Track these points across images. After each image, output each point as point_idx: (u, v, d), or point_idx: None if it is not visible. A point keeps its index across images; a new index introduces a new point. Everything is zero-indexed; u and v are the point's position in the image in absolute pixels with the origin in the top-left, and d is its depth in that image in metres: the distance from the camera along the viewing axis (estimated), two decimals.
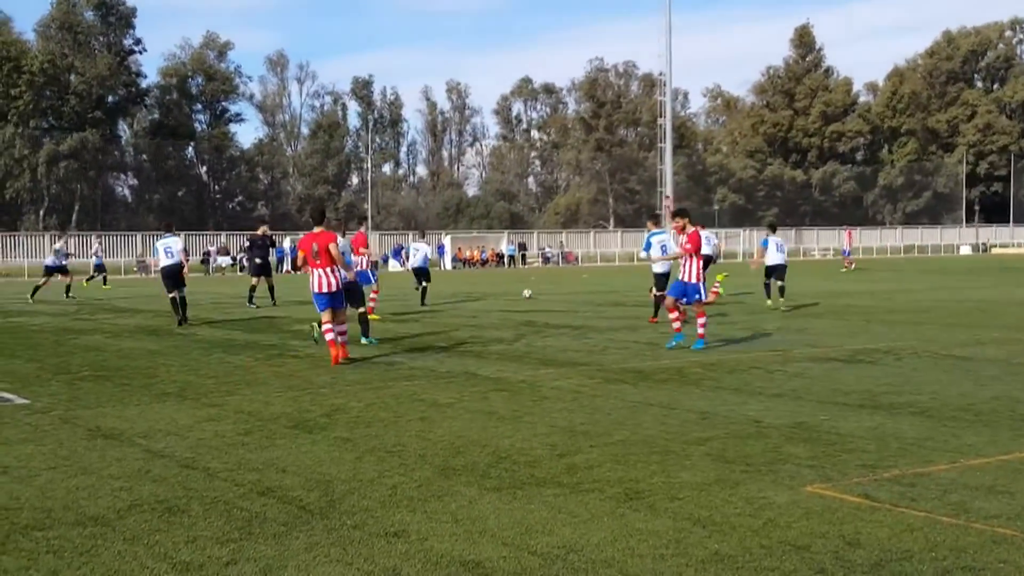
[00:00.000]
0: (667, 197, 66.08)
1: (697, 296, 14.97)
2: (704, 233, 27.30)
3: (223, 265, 61.99)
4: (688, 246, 15.01)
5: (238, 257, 61.51)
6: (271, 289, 26.93)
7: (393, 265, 62.86)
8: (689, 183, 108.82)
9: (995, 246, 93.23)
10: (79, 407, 10.44)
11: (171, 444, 8.43)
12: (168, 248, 21.13)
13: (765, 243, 24.98)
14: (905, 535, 5.58)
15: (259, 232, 28.11)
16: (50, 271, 31.23)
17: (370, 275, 20.87)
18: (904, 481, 6.78)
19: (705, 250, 26.33)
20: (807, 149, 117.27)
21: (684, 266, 15.06)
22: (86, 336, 18.74)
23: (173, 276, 20.82)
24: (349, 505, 6.38)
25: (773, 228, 26.51)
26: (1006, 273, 43.36)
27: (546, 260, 72.74)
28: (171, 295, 20.82)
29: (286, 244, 63.35)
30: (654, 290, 20.10)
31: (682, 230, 15.24)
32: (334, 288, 13.98)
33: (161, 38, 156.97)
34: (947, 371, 12.30)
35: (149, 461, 7.77)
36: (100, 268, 39.70)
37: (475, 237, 77.44)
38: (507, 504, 6.33)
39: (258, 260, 27.38)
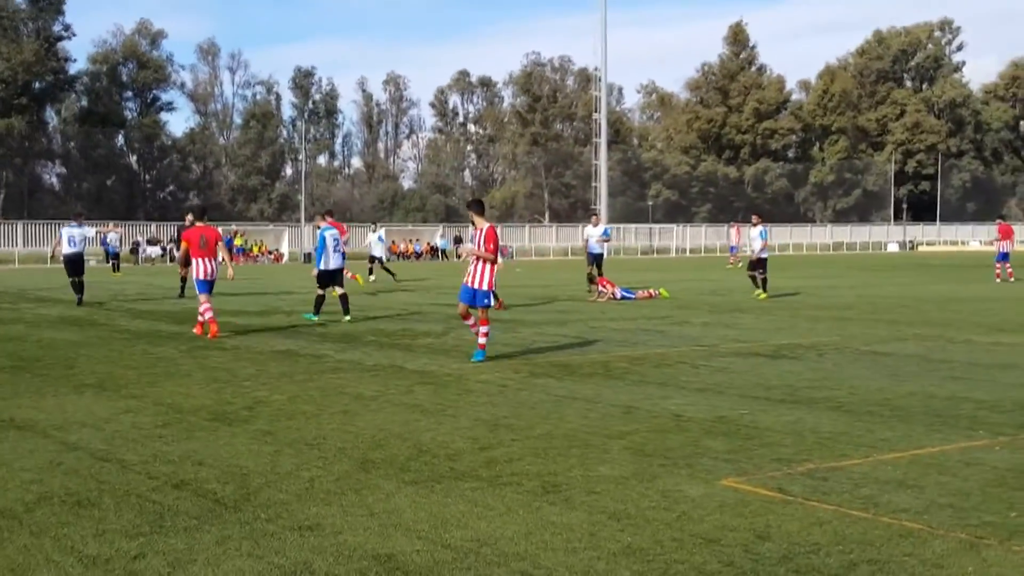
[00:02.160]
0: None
1: (486, 302, 13.17)
2: (600, 229, 27.72)
3: (152, 256, 60.99)
4: (492, 247, 13.06)
5: (168, 247, 60.58)
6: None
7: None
8: (624, 178, 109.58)
9: (922, 244, 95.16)
10: None
11: (86, 436, 8.28)
12: (72, 237, 23.53)
13: (764, 235, 25.72)
14: (815, 528, 5.66)
15: (187, 222, 27.71)
16: None
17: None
18: (817, 475, 6.88)
19: (598, 249, 26.77)
20: (740, 146, 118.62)
21: (474, 269, 13.13)
22: (6, 326, 18.31)
23: (73, 263, 23.39)
24: (264, 498, 6.32)
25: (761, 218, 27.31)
26: (930, 270, 44.32)
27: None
28: (71, 279, 23.42)
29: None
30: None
31: (475, 225, 13.41)
32: (212, 276, 16.52)
33: (92, 24, 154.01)
34: (867, 367, 12.52)
35: (62, 453, 7.63)
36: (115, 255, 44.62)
37: (410, 230, 77.16)
38: (424, 498, 6.32)
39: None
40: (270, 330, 17.40)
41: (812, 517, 5.87)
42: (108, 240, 46.36)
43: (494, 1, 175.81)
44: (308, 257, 64.86)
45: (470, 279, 13.10)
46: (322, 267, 18.88)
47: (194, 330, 16.47)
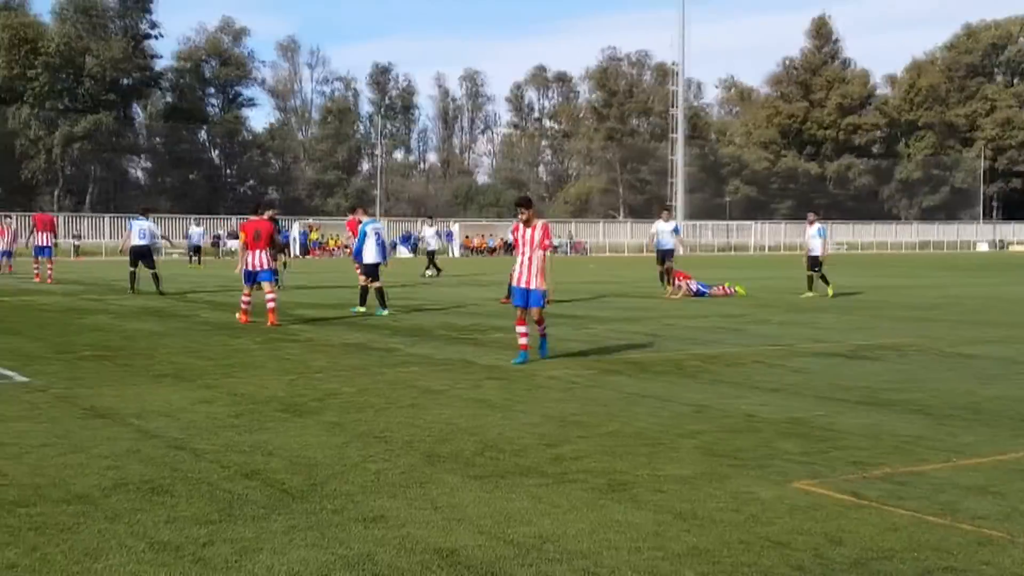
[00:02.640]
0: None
1: (542, 302, 12.50)
2: (671, 225, 27.16)
3: (233, 249, 62.04)
4: (547, 242, 12.42)
5: None
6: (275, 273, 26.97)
7: (401, 252, 62.95)
8: (701, 174, 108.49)
9: (1013, 243, 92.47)
10: (78, 386, 10.47)
11: (163, 425, 8.44)
12: (142, 230, 25.00)
13: (823, 233, 25.21)
14: (889, 534, 5.50)
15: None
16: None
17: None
18: (895, 479, 6.70)
19: (668, 245, 26.27)
20: (822, 141, 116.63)
21: (523, 267, 12.37)
22: (92, 316, 18.80)
23: (140, 255, 24.73)
24: (331, 489, 6.36)
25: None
26: (1021, 271, 43.05)
27: (554, 249, 72.44)
28: (132, 269, 24.73)
29: (295, 229, 63.54)
30: None
31: (526, 223, 12.41)
32: (259, 267, 17.15)
33: (176, 22, 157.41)
34: (951, 369, 12.18)
35: (139, 441, 7.78)
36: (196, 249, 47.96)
37: (484, 225, 77.41)
38: (489, 493, 6.29)
39: None
40: (344, 323, 17.59)
41: (887, 522, 5.71)
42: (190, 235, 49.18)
43: None
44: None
45: (524, 280, 12.37)
46: (367, 260, 19.25)
47: (269, 321, 16.93)
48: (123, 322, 17.68)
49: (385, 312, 18.77)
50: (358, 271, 19.94)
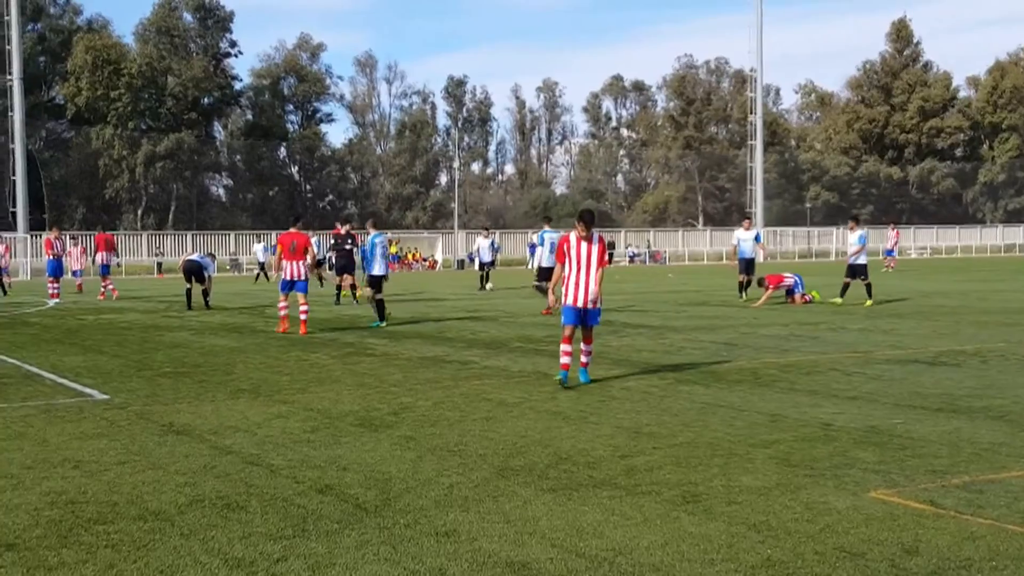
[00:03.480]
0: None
1: (599, 320, 11.76)
2: (752, 233, 27.01)
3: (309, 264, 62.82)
4: (605, 258, 11.55)
5: (327, 256, 62.23)
6: (353, 288, 27.28)
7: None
8: (781, 181, 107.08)
9: None
10: (156, 403, 10.65)
11: (239, 440, 8.55)
12: (199, 254, 27.46)
13: (863, 240, 24.64)
14: (967, 543, 5.39)
15: (341, 231, 28.57)
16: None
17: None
18: (973, 488, 6.56)
19: (750, 254, 26.07)
20: (904, 145, 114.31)
21: (580, 285, 11.36)
22: (171, 333, 19.14)
23: (192, 271, 25.64)
24: (404, 504, 6.40)
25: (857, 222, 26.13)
26: None
27: (632, 259, 72.07)
28: (188, 286, 25.51)
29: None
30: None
31: (587, 238, 11.44)
32: (296, 277, 18.36)
33: (253, 40, 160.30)
34: None
35: (215, 457, 7.90)
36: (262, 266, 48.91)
37: (561, 236, 77.31)
38: (561, 505, 6.28)
39: (342, 259, 27.80)
40: (419, 336, 17.69)
41: (965, 532, 5.59)
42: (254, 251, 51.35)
43: (648, 3, 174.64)
44: (461, 264, 65.87)
45: (581, 298, 11.35)
46: (377, 272, 19.80)
47: (289, 328, 18.18)
48: (202, 338, 17.98)
49: (383, 324, 19.44)
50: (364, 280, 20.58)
